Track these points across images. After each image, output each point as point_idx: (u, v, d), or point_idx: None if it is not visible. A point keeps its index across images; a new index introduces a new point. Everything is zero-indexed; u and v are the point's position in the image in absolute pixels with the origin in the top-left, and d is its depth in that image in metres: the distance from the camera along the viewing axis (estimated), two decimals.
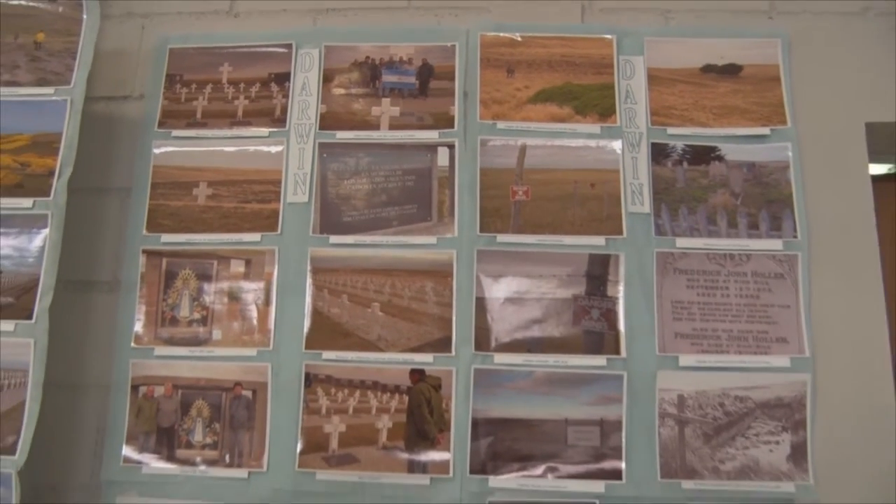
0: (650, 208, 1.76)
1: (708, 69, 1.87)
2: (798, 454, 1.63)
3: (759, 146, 1.79)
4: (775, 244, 1.73)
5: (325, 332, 1.74)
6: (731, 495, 1.62)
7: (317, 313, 1.75)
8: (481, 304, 1.72)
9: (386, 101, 1.88)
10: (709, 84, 1.85)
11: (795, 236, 1.73)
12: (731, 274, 1.72)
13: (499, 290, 1.73)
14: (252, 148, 1.86)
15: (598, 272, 1.72)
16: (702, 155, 1.79)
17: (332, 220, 1.80)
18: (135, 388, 1.75)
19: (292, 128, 1.86)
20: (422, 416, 1.67)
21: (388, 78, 1.90)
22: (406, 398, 1.69)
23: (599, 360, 1.68)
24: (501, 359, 1.69)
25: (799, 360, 1.67)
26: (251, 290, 1.77)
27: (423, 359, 1.70)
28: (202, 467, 1.70)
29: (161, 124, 1.90)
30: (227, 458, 1.70)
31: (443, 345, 1.71)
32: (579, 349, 1.69)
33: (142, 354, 1.76)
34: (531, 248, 1.74)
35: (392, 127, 1.85)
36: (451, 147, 1.82)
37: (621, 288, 1.72)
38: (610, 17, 1.91)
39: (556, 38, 1.89)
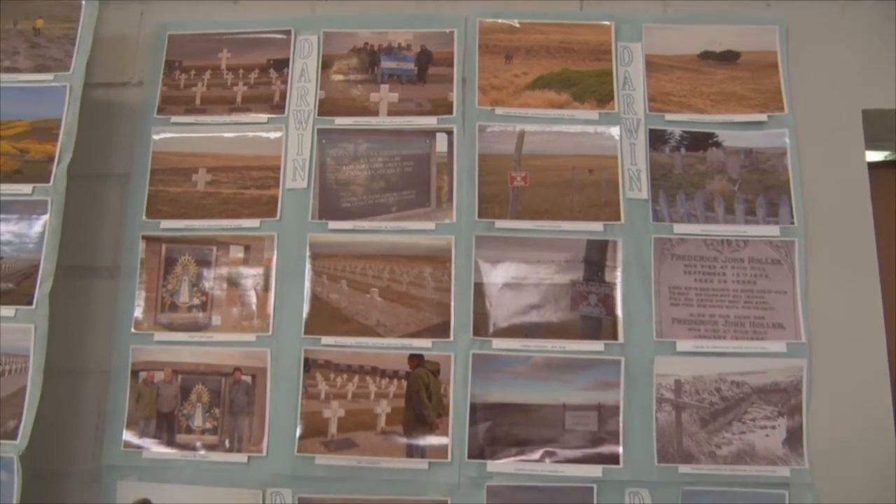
0: (648, 194, 1.76)
1: (706, 56, 1.87)
2: (794, 439, 1.64)
3: (757, 133, 1.80)
4: (772, 230, 1.73)
5: (324, 318, 1.74)
6: (727, 479, 1.63)
7: (316, 299, 1.75)
8: (479, 289, 1.73)
9: (384, 87, 1.88)
10: (707, 71, 1.85)
11: (792, 223, 1.74)
12: (729, 260, 1.73)
13: (497, 275, 1.73)
14: (251, 134, 1.86)
15: (595, 258, 1.73)
16: (699, 141, 1.80)
17: (330, 205, 1.80)
18: (135, 373, 1.75)
19: (291, 114, 1.86)
20: (420, 401, 1.68)
21: (387, 64, 1.90)
22: (405, 383, 1.70)
23: (597, 346, 1.69)
24: (499, 344, 1.70)
25: (795, 346, 1.68)
26: (250, 276, 1.78)
27: (422, 344, 1.71)
28: (202, 452, 1.71)
29: (160, 110, 1.90)
30: (227, 443, 1.71)
31: (441, 330, 1.71)
32: (577, 334, 1.70)
33: (142, 340, 1.77)
34: (529, 233, 1.75)
35: (391, 113, 1.85)
36: (449, 133, 1.82)
37: (619, 274, 1.72)
38: (608, 3, 1.91)
39: (554, 25, 1.89)
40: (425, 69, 1.88)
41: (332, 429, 1.69)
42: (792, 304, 1.70)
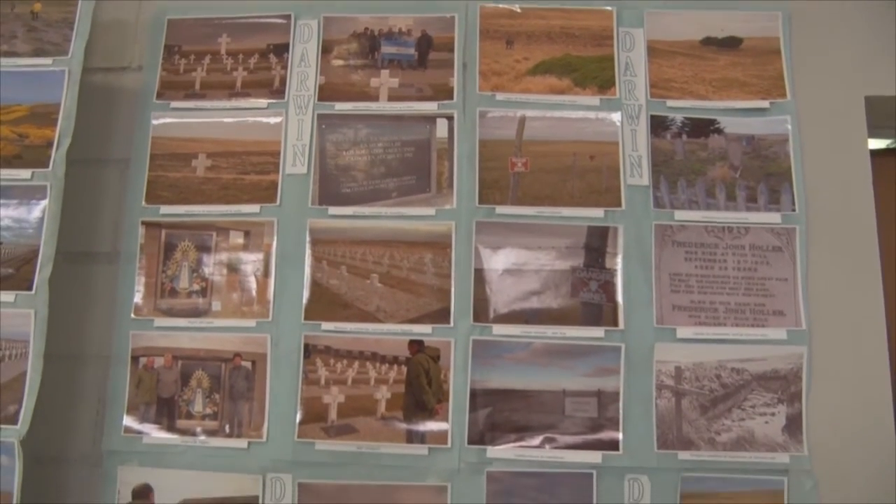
0: (649, 181, 1.76)
1: (708, 42, 1.86)
2: (793, 426, 1.64)
3: (759, 119, 1.79)
4: (773, 217, 1.73)
5: (324, 304, 1.74)
6: (726, 466, 1.63)
7: (316, 284, 1.75)
8: (480, 275, 1.73)
9: (385, 72, 1.87)
10: (708, 57, 1.85)
11: (794, 210, 1.73)
12: (730, 247, 1.72)
13: (497, 261, 1.73)
14: (251, 119, 1.86)
15: (596, 244, 1.73)
16: (701, 128, 1.79)
17: (330, 191, 1.80)
18: (135, 359, 1.75)
19: (291, 99, 1.85)
20: (420, 387, 1.68)
21: (387, 49, 1.89)
22: (405, 369, 1.70)
23: (597, 332, 1.69)
24: (500, 330, 1.70)
25: (795, 333, 1.68)
26: (250, 262, 1.78)
27: (422, 330, 1.71)
28: (202, 437, 1.71)
29: (160, 95, 1.89)
30: (227, 428, 1.71)
31: (441, 316, 1.71)
32: (577, 321, 1.70)
33: (141, 326, 1.77)
34: (530, 219, 1.74)
35: (391, 98, 1.85)
36: (450, 118, 1.81)
37: (619, 260, 1.72)
38: None
39: (555, 10, 1.88)
40: (426, 54, 1.87)
41: (332, 414, 1.69)
42: (792, 291, 1.70)
